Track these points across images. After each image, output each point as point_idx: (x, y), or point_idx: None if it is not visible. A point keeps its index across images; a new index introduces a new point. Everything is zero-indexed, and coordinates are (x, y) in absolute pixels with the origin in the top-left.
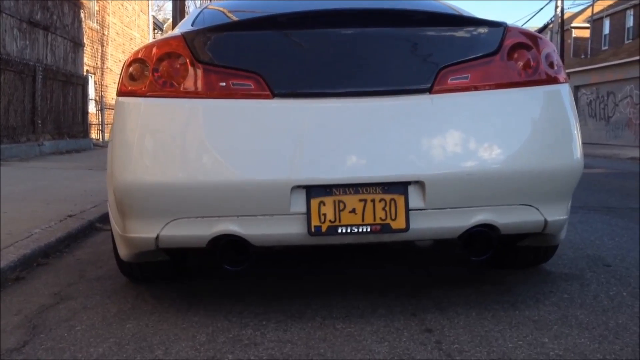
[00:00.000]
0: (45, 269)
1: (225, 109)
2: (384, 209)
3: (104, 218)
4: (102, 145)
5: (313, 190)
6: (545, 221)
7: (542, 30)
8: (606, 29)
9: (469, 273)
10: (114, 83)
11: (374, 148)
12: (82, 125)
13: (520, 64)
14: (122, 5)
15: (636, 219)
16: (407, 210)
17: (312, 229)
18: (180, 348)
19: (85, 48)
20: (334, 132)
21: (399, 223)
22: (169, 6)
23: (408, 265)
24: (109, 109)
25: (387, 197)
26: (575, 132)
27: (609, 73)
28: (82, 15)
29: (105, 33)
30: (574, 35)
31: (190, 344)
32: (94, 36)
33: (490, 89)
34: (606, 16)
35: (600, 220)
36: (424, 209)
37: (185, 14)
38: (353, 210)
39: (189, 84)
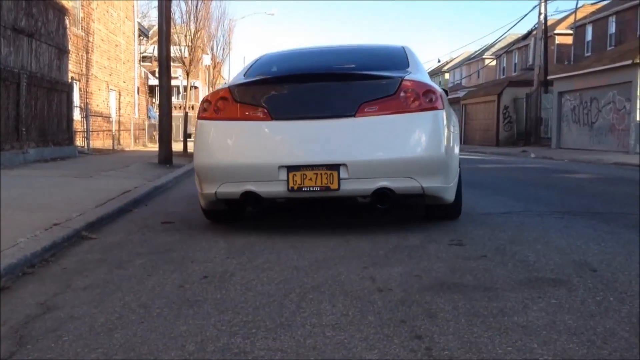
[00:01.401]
0: (31, 278)
1: (248, 125)
2: (327, 178)
3: (90, 226)
4: (87, 153)
5: (289, 168)
6: (422, 187)
7: (525, 37)
8: (589, 36)
9: (459, 279)
10: (99, 90)
11: (323, 146)
12: (67, 133)
13: (409, 99)
14: (107, 12)
15: (621, 224)
16: (339, 179)
17: (289, 188)
18: (169, 357)
19: (70, 55)
20: (302, 138)
21: (334, 185)
22: (154, 13)
23: (397, 272)
24: (94, 115)
25: (328, 172)
26: (443, 137)
27: (592, 79)
28: (67, 21)
29: (90, 40)
30: (557, 41)
31: (179, 354)
32: (78, 43)
33: (389, 114)
34: (589, 23)
35: (585, 225)
36: (348, 179)
37: (172, 21)
38: (311, 179)
39: (231, 113)
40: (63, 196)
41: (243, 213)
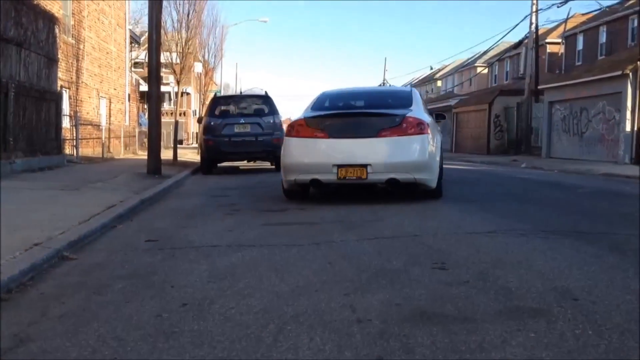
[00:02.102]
0: (6, 306)
1: (315, 141)
2: (359, 172)
3: (72, 245)
4: (76, 162)
5: (339, 166)
6: (414, 178)
7: (516, 46)
8: (580, 45)
9: (439, 308)
10: (89, 97)
11: (357, 153)
12: (56, 142)
13: (408, 128)
14: (98, 19)
15: (605, 245)
16: (367, 173)
17: (338, 177)
18: None
19: (60, 63)
20: (345, 148)
21: (364, 176)
22: (146, 20)
23: (378, 300)
24: (84, 124)
25: (361, 168)
26: (427, 150)
27: (582, 90)
28: (57, 30)
29: (81, 47)
30: (548, 50)
31: None
32: (69, 50)
33: (396, 136)
34: (580, 32)
35: (570, 246)
36: (372, 173)
37: (163, 29)
38: (350, 172)
39: (305, 133)
40: (47, 212)
41: (307, 194)
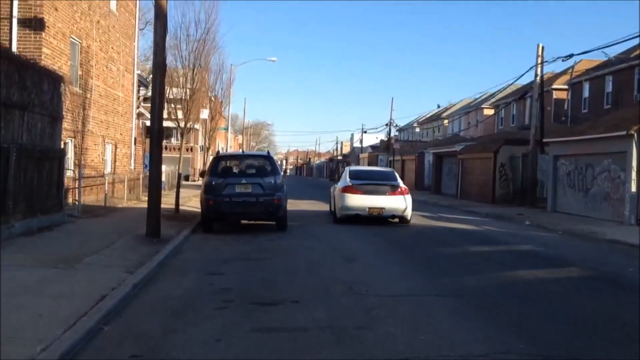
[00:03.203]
0: None
1: (355, 195)
2: (379, 211)
3: None
4: (76, 216)
5: (369, 209)
6: (402, 214)
7: (521, 97)
8: (586, 92)
9: None
10: (94, 145)
11: (378, 202)
12: (57, 199)
13: (400, 190)
14: (106, 67)
15: None
16: (383, 212)
17: (369, 213)
18: None
19: (65, 114)
20: (371, 199)
21: (382, 213)
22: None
23: None
24: (88, 173)
25: (380, 209)
26: (407, 201)
27: (586, 146)
28: (62, 88)
29: (88, 96)
30: (554, 96)
31: None
32: (75, 101)
33: (396, 195)
34: (585, 80)
35: None
36: (385, 212)
37: (168, 73)
38: (374, 211)
39: (350, 191)
40: (31, 310)
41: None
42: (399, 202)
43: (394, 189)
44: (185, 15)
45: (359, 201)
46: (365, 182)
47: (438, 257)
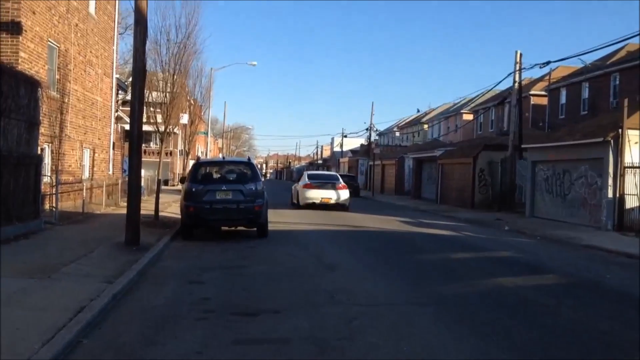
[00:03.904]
0: None
1: (312, 189)
2: (328, 200)
3: None
4: (53, 223)
5: (322, 198)
6: (344, 203)
7: (499, 103)
8: (563, 99)
9: None
10: (72, 150)
11: (328, 194)
12: (34, 206)
13: (342, 186)
14: (84, 71)
15: None
16: (331, 200)
17: (321, 202)
18: None
19: (42, 119)
20: (324, 192)
21: (330, 202)
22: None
23: None
24: (65, 179)
25: (329, 199)
26: (347, 194)
27: (564, 152)
28: (39, 93)
29: (66, 101)
30: (532, 102)
31: None
32: (53, 105)
33: (339, 189)
34: (563, 86)
35: None
36: (332, 201)
37: (147, 77)
38: (325, 199)
39: (309, 186)
40: (7, 326)
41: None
42: (340, 194)
43: (336, 186)
44: (165, 19)
45: (314, 194)
46: (318, 181)
47: (419, 265)
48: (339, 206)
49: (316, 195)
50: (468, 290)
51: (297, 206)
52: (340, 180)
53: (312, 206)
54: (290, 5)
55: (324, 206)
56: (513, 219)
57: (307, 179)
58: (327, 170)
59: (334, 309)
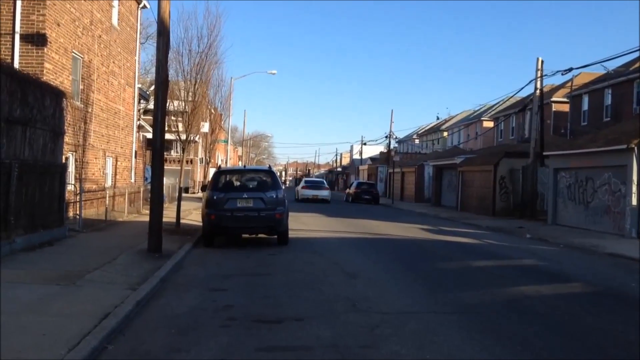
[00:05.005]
0: None
1: (305, 189)
2: (316, 197)
3: None
4: (77, 230)
5: (312, 194)
6: (327, 199)
7: (521, 110)
8: (585, 105)
9: None
10: (95, 159)
11: (318, 192)
12: (58, 214)
13: (326, 187)
14: (107, 81)
15: None
16: (319, 197)
17: (312, 197)
18: None
19: (67, 129)
20: (315, 192)
21: (319, 198)
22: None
23: None
24: (89, 187)
25: (316, 196)
26: (328, 192)
27: (586, 160)
28: (64, 103)
29: (89, 110)
30: (554, 109)
31: None
32: (77, 115)
33: (325, 190)
34: (585, 93)
35: None
36: (320, 197)
37: (169, 87)
38: (315, 196)
39: (306, 187)
40: (33, 332)
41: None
42: (324, 193)
43: (322, 187)
44: (188, 30)
45: (308, 192)
46: (311, 184)
47: (440, 272)
48: (323, 200)
49: (309, 193)
50: (491, 299)
51: (297, 200)
52: (325, 183)
53: (307, 200)
54: (310, 13)
55: (313, 200)
56: (535, 227)
57: (303, 183)
58: (346, 177)
59: (356, 316)
